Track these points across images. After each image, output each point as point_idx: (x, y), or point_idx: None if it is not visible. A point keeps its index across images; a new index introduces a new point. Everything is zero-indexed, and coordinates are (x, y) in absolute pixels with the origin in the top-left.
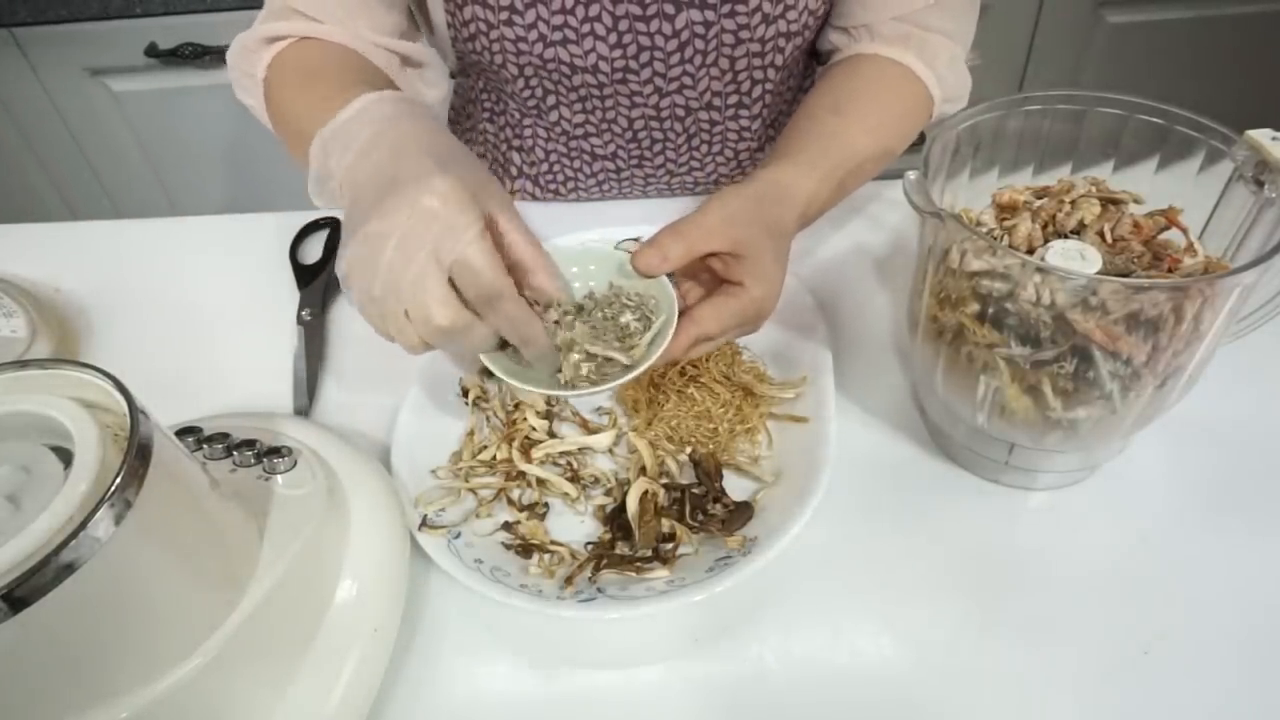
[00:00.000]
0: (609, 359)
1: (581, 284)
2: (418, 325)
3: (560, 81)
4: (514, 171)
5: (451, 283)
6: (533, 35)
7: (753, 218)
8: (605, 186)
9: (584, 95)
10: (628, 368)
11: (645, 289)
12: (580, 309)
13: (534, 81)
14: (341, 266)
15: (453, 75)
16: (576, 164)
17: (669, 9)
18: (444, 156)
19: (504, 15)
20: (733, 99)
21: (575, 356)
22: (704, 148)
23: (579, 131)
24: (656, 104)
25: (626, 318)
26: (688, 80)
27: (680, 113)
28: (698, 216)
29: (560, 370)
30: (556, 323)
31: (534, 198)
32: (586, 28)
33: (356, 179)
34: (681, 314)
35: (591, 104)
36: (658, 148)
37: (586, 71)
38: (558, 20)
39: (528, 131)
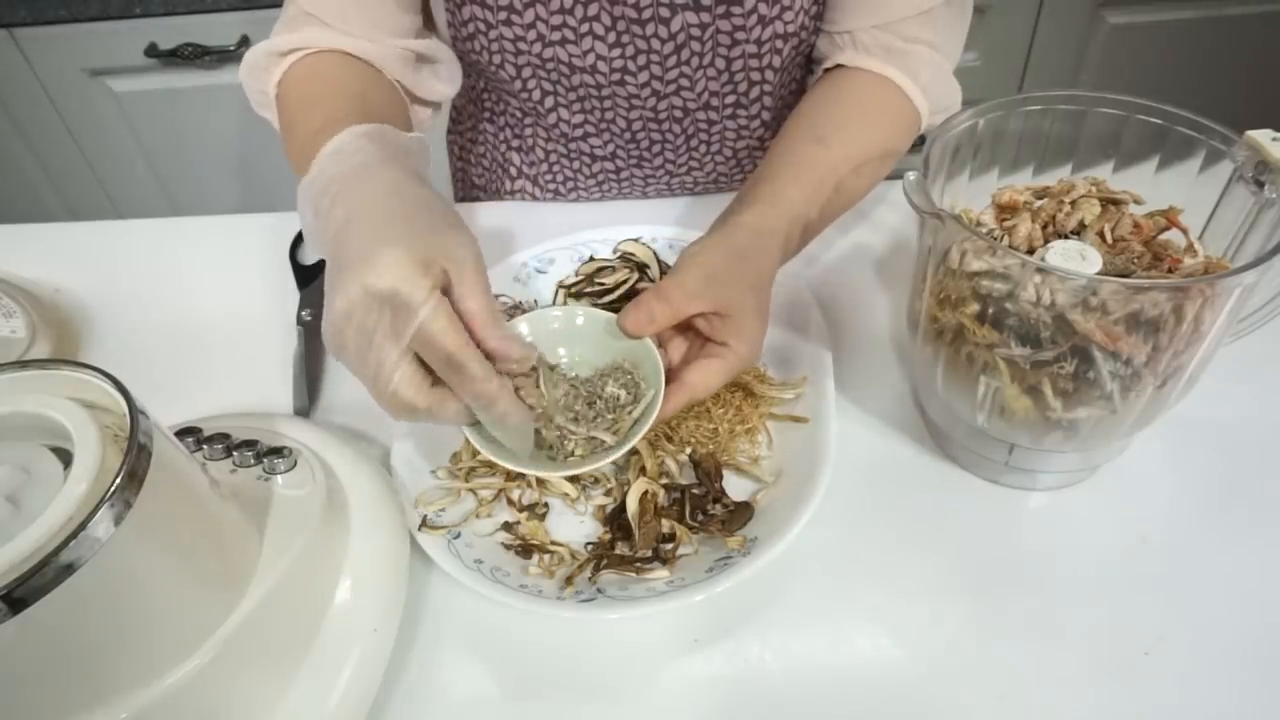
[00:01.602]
0: (594, 438)
1: (570, 357)
2: (390, 407)
3: (559, 82)
4: (514, 172)
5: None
6: (531, 35)
7: (734, 274)
8: (605, 187)
9: (582, 96)
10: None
11: (629, 350)
12: (571, 386)
13: (532, 83)
14: (324, 335)
15: None
16: (576, 164)
17: (664, 12)
18: (400, 218)
19: (502, 15)
20: (730, 99)
21: (556, 432)
22: (703, 148)
23: (578, 133)
24: (654, 106)
25: (611, 389)
26: (685, 82)
27: (678, 114)
28: (680, 278)
29: (541, 441)
30: (522, 391)
31: (534, 198)
32: (585, 27)
33: (324, 243)
34: (668, 372)
35: (590, 104)
36: (656, 149)
37: (585, 72)
38: (556, 20)
39: (528, 132)
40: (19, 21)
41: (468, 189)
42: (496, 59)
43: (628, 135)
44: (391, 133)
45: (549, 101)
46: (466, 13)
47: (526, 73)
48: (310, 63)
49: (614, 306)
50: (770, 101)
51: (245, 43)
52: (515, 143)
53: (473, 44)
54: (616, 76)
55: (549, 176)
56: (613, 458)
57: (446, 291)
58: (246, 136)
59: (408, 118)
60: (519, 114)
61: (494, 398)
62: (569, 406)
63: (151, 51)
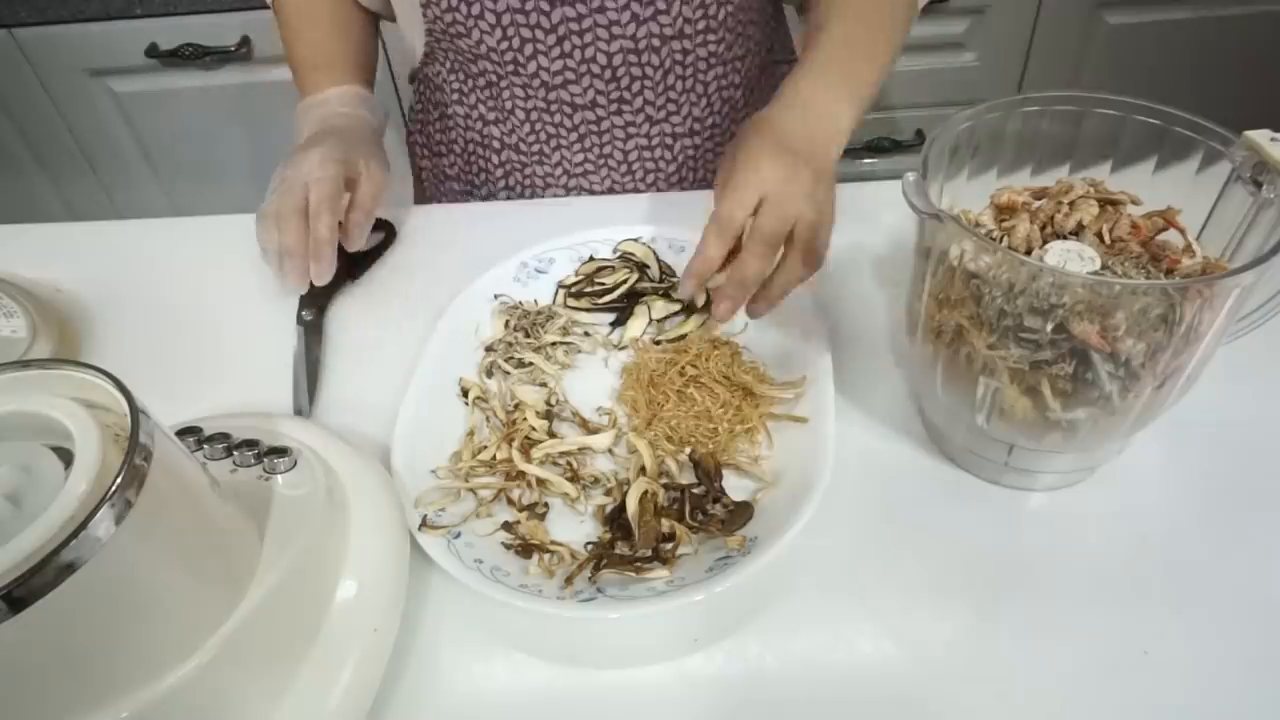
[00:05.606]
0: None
1: None
2: (277, 212)
3: (538, 25)
4: (496, 145)
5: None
6: None
7: (738, 140)
8: (587, 142)
9: (563, 35)
10: None
11: None
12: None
13: (511, 30)
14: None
15: (412, 79)
16: (558, 117)
17: None
18: (340, 141)
19: None
20: (700, 24)
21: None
22: (679, 85)
23: (558, 80)
24: (634, 34)
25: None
26: (662, 4)
27: (656, 43)
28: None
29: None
30: None
31: (520, 168)
32: None
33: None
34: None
35: (571, 44)
36: (636, 87)
37: (566, 4)
38: None
39: (505, 95)
40: (20, 21)
41: (439, 182)
42: (475, 9)
43: (608, 74)
44: (371, 99)
45: (528, 50)
46: None
47: (506, 19)
48: None
49: (614, 306)
50: (733, 23)
51: (246, 43)
52: (491, 115)
53: (454, 14)
54: (597, 4)
55: (531, 138)
56: None
57: (352, 183)
58: (247, 137)
59: (374, 35)
60: (494, 77)
61: (321, 245)
62: None
63: (152, 51)
